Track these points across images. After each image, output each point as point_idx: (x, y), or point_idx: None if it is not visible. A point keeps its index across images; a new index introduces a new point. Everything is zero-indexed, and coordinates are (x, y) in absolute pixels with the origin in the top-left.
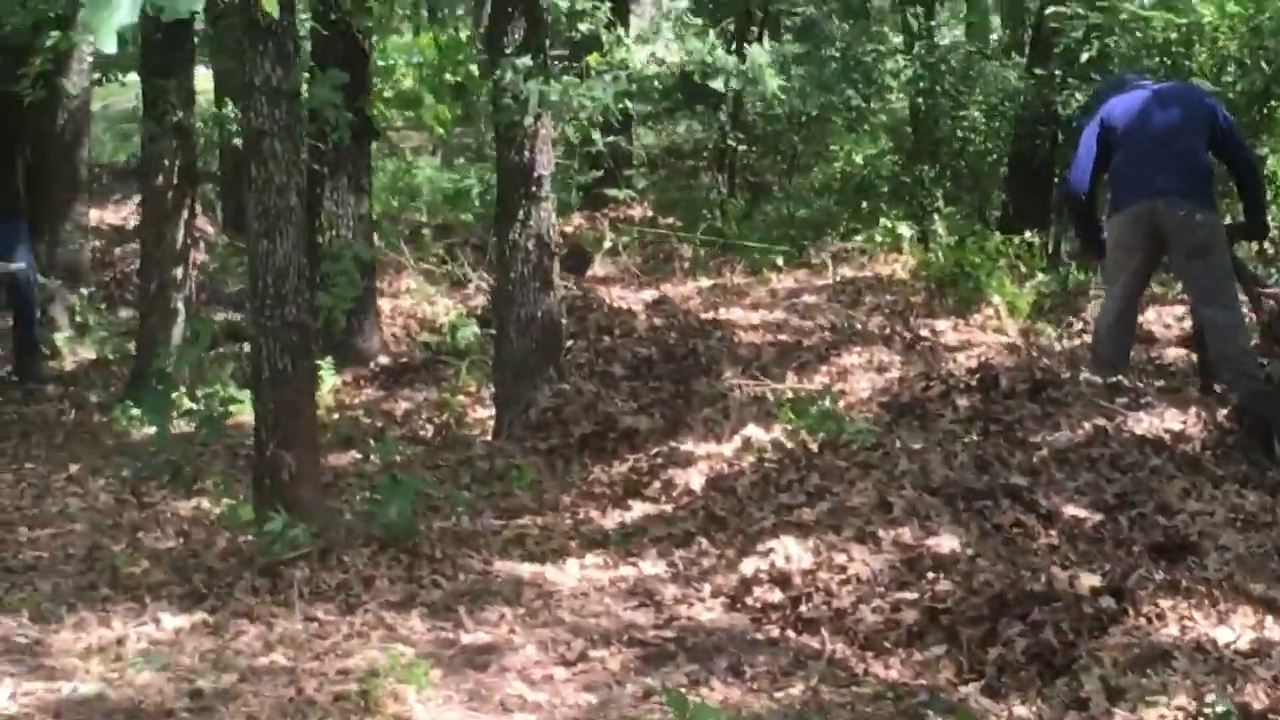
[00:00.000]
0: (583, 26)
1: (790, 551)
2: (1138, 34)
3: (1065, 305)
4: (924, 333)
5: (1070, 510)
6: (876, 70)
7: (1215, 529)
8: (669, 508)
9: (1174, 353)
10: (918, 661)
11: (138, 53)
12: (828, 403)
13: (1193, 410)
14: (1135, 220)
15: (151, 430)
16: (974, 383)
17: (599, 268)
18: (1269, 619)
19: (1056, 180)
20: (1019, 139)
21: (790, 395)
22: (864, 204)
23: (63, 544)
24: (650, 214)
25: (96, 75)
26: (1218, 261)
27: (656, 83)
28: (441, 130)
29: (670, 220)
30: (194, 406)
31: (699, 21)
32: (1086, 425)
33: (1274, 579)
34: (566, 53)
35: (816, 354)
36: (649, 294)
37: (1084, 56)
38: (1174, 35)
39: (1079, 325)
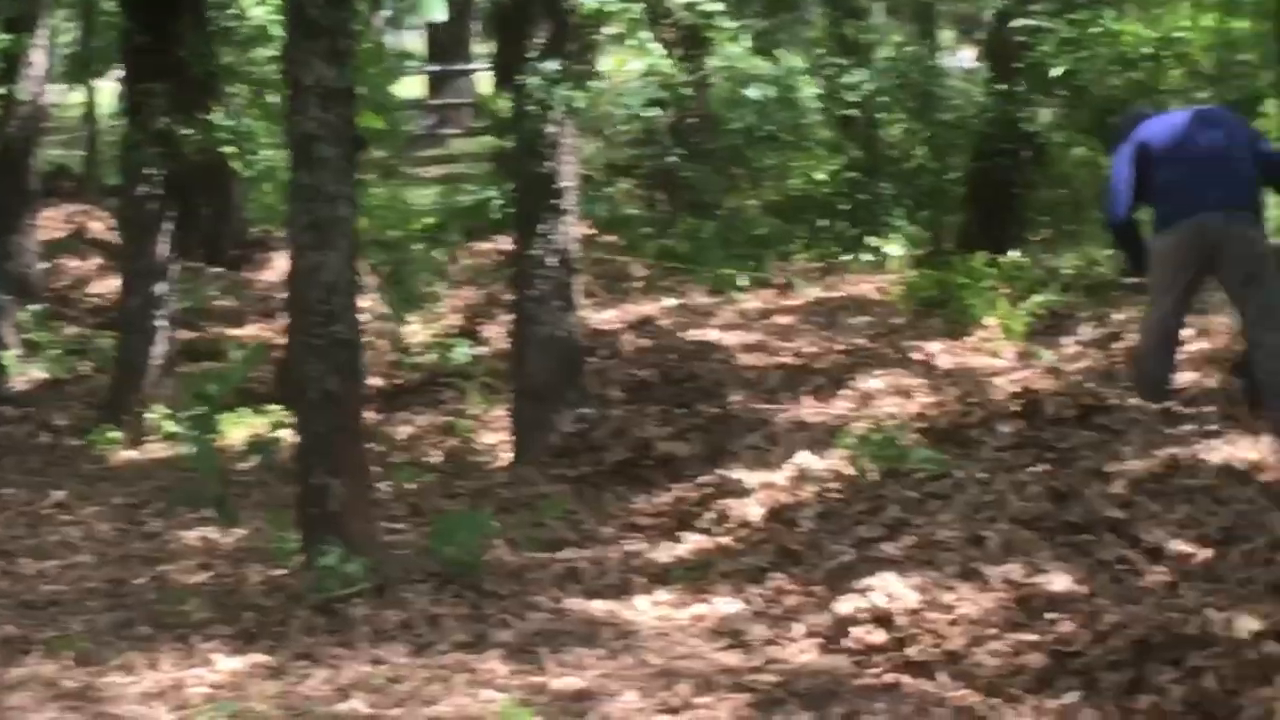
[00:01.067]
0: (607, 30)
1: (892, 589)
2: (1108, 49)
3: (1057, 328)
4: (916, 355)
5: (1176, 545)
6: (833, 85)
7: None
8: (728, 540)
9: (1187, 376)
10: (1053, 710)
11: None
12: (895, 431)
13: (1264, 439)
14: (1188, 237)
15: (128, 455)
16: (1017, 408)
17: None
18: None
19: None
20: (982, 156)
21: (843, 421)
22: (820, 222)
23: (77, 577)
24: (591, 231)
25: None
26: (1273, 282)
27: (688, 90)
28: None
29: (613, 238)
30: (178, 429)
31: (732, 26)
32: (1159, 454)
33: None
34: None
35: (830, 378)
36: (612, 313)
37: (1055, 72)
38: (1147, 51)
39: (1074, 348)
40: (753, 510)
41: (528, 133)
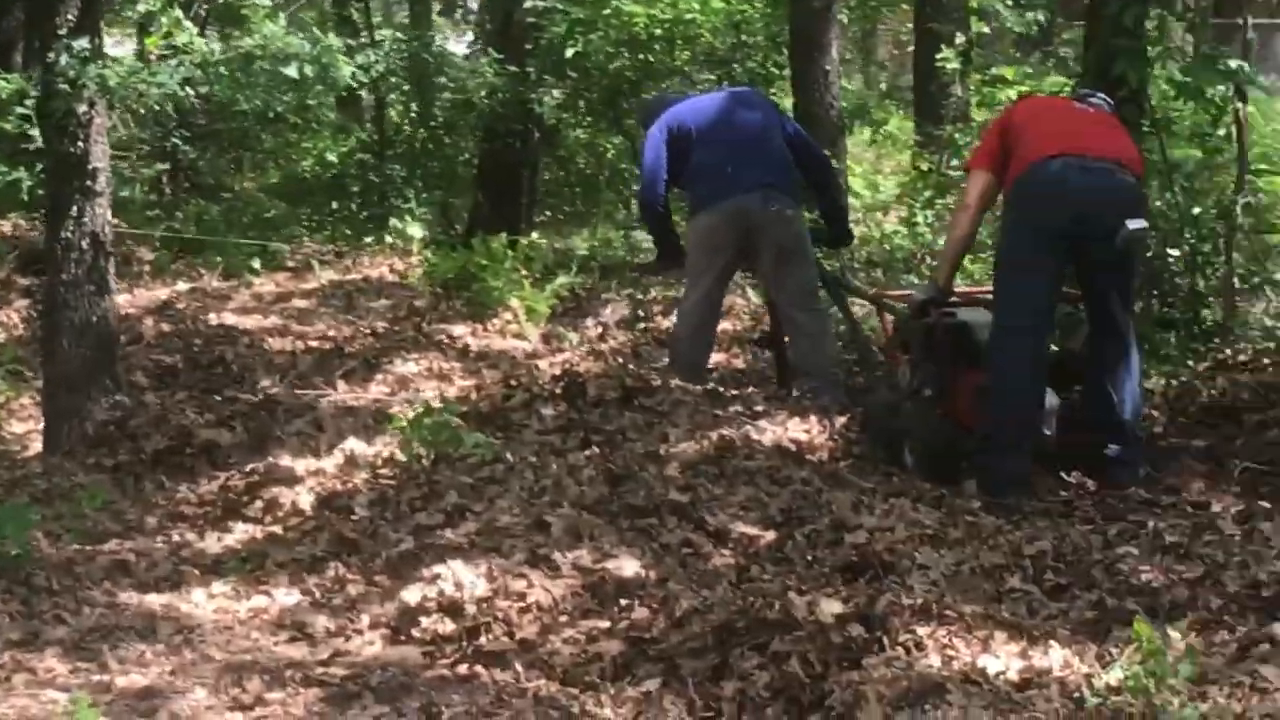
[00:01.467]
0: (140, 6)
1: (461, 577)
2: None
3: (578, 309)
4: (445, 338)
5: (740, 528)
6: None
7: (905, 546)
8: (278, 529)
9: (715, 357)
10: (633, 698)
11: None
12: (446, 415)
13: (812, 419)
14: (726, 218)
15: None
16: (559, 391)
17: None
18: (1029, 646)
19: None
20: (492, 138)
21: (384, 406)
22: (333, 204)
23: None
24: None
25: None
26: (808, 263)
27: (224, 70)
28: None
29: (115, 221)
30: None
31: (267, 2)
32: (711, 435)
33: (989, 599)
34: None
35: (363, 362)
36: (124, 298)
37: (568, 53)
38: (658, 32)
39: (597, 330)
40: (304, 498)
41: (57, 113)
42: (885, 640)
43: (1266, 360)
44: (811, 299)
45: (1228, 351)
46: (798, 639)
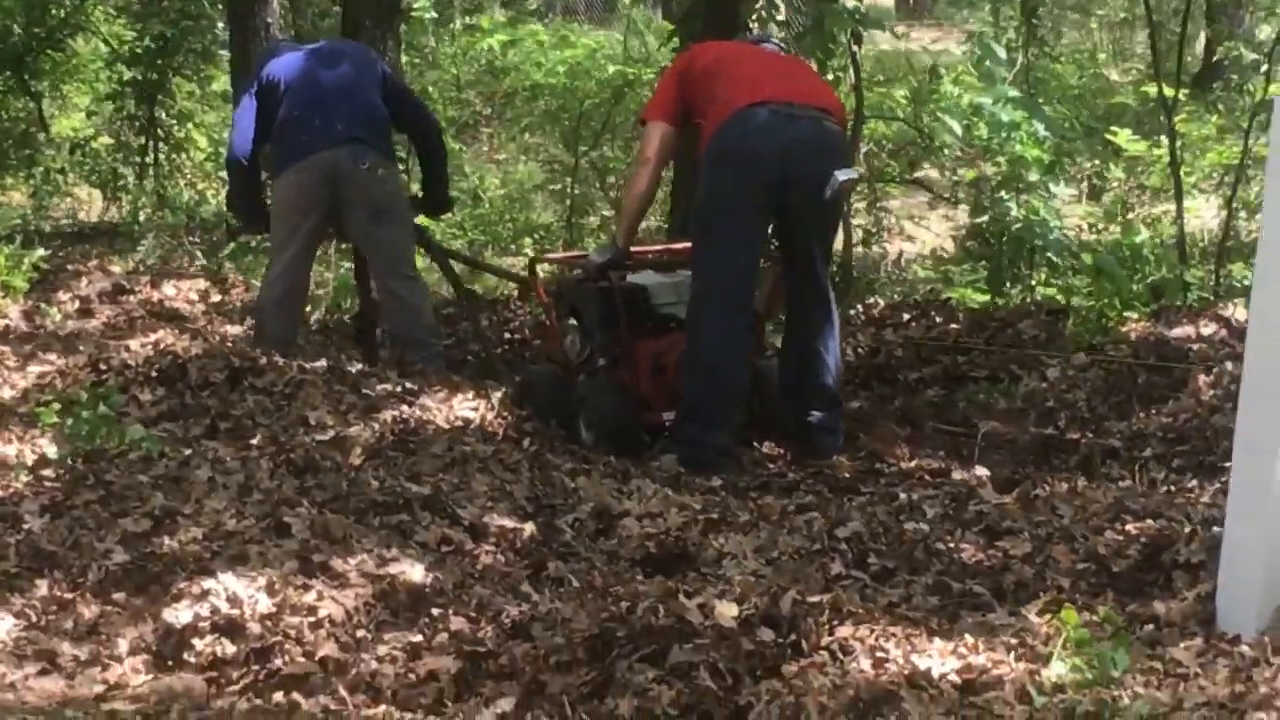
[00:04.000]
0: None
1: (235, 591)
2: None
3: (46, 282)
4: None
5: (495, 520)
6: None
7: (690, 533)
8: None
9: None
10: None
11: None
12: (102, 407)
13: (471, 393)
14: (313, 174)
15: None
16: (155, 374)
17: None
18: (949, 643)
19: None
20: None
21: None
22: None
23: None
24: None
25: None
26: (403, 225)
27: None
28: None
29: None
30: None
31: None
32: (385, 417)
33: (820, 589)
34: None
35: None
36: None
37: None
38: None
39: (76, 303)
40: None
41: None
42: (804, 644)
43: (907, 315)
44: (406, 264)
45: (858, 307)
46: (699, 647)
